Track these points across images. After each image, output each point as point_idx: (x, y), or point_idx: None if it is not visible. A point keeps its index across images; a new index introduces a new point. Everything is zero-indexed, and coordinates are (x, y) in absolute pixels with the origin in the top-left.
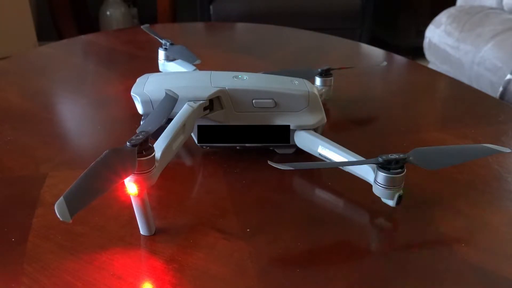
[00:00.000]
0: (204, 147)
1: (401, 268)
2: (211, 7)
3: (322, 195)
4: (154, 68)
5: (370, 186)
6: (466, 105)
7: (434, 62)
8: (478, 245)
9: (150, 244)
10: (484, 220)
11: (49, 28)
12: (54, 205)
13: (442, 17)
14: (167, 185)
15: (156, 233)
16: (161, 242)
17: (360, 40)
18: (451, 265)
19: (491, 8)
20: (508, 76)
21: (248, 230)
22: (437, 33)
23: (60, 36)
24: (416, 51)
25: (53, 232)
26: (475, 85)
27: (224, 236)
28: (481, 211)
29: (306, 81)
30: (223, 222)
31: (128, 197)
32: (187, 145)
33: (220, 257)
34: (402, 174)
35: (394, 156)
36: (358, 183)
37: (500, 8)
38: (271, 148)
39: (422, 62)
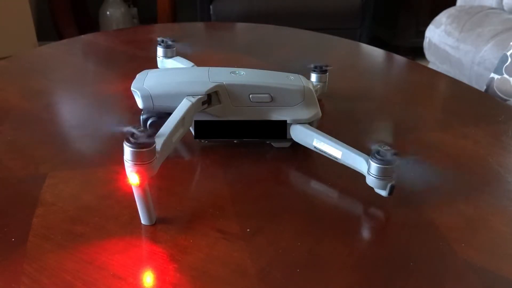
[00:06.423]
0: (202, 141)
1: (401, 268)
2: (211, 7)
3: (323, 195)
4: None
5: (371, 187)
6: (466, 105)
7: (434, 62)
8: (478, 245)
9: (150, 244)
10: (484, 220)
11: (49, 28)
12: (54, 205)
13: (442, 17)
14: (167, 186)
15: (156, 233)
16: (161, 242)
17: (360, 40)
18: (451, 265)
19: (491, 8)
20: (492, 75)
21: (248, 230)
22: (437, 33)
23: (60, 36)
24: (416, 51)
25: (53, 232)
26: (475, 85)
27: (224, 236)
28: (481, 211)
29: (301, 76)
30: (223, 222)
31: (128, 196)
32: (188, 146)
33: (220, 257)
34: (394, 165)
35: (386, 147)
36: (359, 183)
37: (500, 8)
38: (267, 142)
39: (422, 62)
